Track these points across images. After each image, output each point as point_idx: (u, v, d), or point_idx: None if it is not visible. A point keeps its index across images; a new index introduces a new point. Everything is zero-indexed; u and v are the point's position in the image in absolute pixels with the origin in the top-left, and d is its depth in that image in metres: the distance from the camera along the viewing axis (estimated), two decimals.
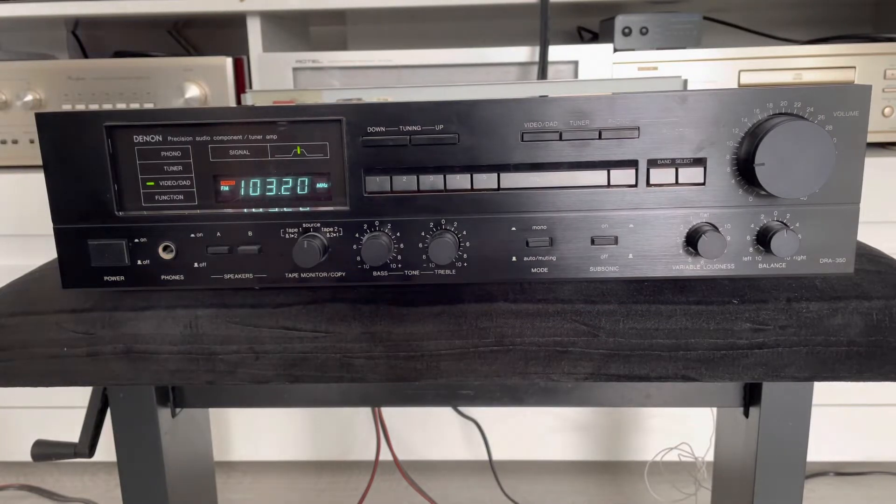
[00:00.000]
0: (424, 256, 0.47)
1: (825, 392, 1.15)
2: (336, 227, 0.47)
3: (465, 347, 0.49)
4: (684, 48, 1.08)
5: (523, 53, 1.07)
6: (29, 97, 1.07)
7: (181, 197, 0.48)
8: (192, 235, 0.48)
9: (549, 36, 1.04)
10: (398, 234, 0.47)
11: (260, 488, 1.28)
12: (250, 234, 0.48)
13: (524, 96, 0.46)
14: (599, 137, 0.45)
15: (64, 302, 0.52)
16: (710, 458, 0.85)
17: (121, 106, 1.07)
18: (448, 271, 0.48)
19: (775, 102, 0.44)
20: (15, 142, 1.10)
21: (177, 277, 0.48)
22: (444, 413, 1.23)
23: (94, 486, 1.30)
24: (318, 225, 0.47)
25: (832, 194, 0.46)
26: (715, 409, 0.93)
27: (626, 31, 1.09)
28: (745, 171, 0.45)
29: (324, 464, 1.32)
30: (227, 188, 0.47)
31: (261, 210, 0.47)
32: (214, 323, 0.50)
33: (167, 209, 0.48)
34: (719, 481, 0.73)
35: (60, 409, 1.22)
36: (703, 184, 0.46)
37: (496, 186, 0.46)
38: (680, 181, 0.46)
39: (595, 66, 1.06)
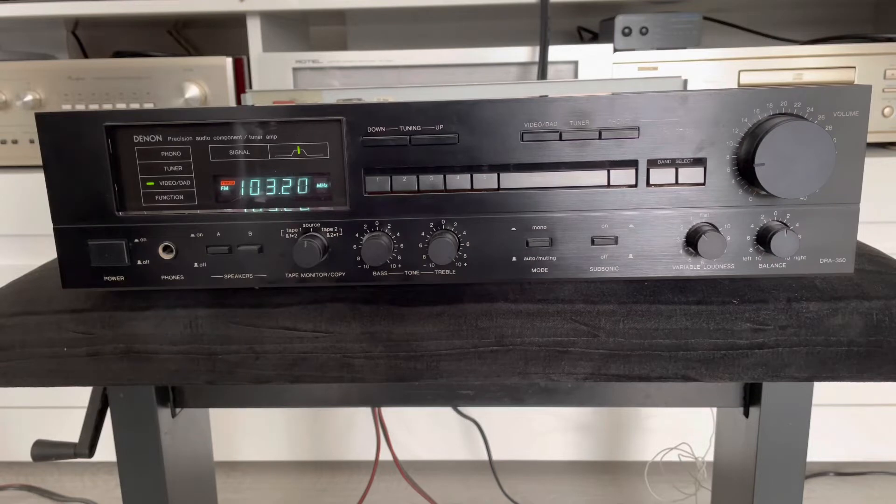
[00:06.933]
0: (424, 256, 0.47)
1: (825, 392, 1.15)
2: (336, 227, 0.47)
3: (465, 347, 0.49)
4: (684, 48, 1.08)
5: (523, 53, 1.07)
6: (29, 97, 1.07)
7: (181, 197, 0.48)
8: (192, 235, 0.48)
9: (549, 36, 1.04)
10: (398, 234, 0.47)
11: (260, 488, 1.28)
12: (250, 234, 0.48)
13: (524, 96, 0.46)
14: (599, 137, 0.45)
15: (64, 302, 0.52)
16: (710, 458, 0.85)
17: (121, 106, 1.07)
18: (448, 271, 0.48)
19: (775, 102, 0.44)
20: (15, 142, 1.10)
21: (177, 277, 0.48)
22: (444, 413, 1.23)
23: (94, 486, 1.30)
24: (318, 225, 0.47)
25: (832, 194, 0.46)
26: (715, 409, 0.93)
27: (626, 31, 1.09)
28: (745, 171, 0.45)
29: (324, 464, 1.32)
30: (227, 188, 0.47)
31: (261, 210, 0.47)
32: (214, 323, 0.50)
33: (167, 209, 0.48)
34: (719, 481, 0.73)
35: (60, 409, 1.22)
36: (703, 184, 0.46)
37: (496, 186, 0.46)
38: (680, 181, 0.46)
39: (595, 66, 1.06)
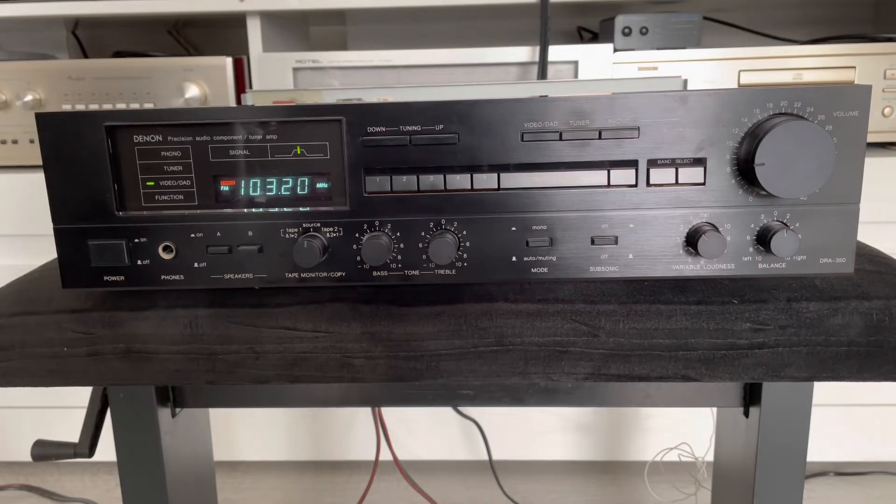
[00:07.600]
0: (424, 256, 0.47)
1: (825, 392, 1.15)
2: (336, 227, 0.47)
3: (465, 347, 0.49)
4: (684, 48, 1.08)
5: (523, 53, 1.07)
6: (29, 97, 1.07)
7: (181, 197, 0.48)
8: (192, 235, 0.48)
9: (549, 36, 1.04)
10: (398, 234, 0.47)
11: (260, 488, 1.28)
12: (250, 234, 0.48)
13: (524, 96, 0.46)
14: (599, 137, 0.45)
15: (64, 302, 0.52)
16: (710, 458, 0.85)
17: (121, 106, 1.07)
18: (448, 271, 0.48)
19: (775, 102, 0.44)
20: (15, 142, 1.10)
21: (177, 277, 0.48)
22: (444, 413, 1.23)
23: (94, 486, 1.30)
24: (318, 225, 0.47)
25: (832, 194, 0.46)
26: (715, 409, 0.93)
27: (626, 31, 1.09)
28: (745, 171, 0.45)
29: (324, 464, 1.32)
30: (227, 188, 0.47)
31: (261, 210, 0.47)
32: (214, 323, 0.50)
33: (167, 209, 0.48)
34: (719, 481, 0.73)
35: (60, 409, 1.23)
36: (703, 184, 0.46)
37: (496, 186, 0.46)
38: (680, 181, 0.46)
39: (595, 66, 1.06)
